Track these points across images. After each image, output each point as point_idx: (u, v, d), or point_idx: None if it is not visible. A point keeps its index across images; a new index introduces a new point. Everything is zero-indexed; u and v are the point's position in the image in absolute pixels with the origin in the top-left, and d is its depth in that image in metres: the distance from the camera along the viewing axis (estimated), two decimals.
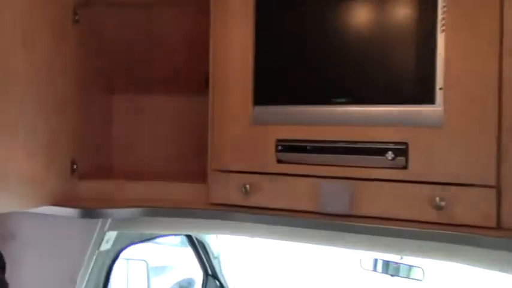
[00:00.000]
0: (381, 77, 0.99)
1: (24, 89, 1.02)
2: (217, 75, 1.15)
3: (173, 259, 3.55)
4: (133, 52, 1.39)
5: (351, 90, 1.01)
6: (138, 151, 1.51)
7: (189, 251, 2.19)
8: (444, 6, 0.92)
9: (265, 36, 1.10)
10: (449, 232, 0.90)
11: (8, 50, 0.96)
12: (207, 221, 1.18)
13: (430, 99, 0.94)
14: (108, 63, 1.40)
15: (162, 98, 1.50)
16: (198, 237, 2.08)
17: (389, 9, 0.97)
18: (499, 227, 0.89)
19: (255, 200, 1.10)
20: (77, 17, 1.20)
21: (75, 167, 1.21)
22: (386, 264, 2.33)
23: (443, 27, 0.92)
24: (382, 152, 0.97)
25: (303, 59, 1.05)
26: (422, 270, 2.21)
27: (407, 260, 2.25)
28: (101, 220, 1.23)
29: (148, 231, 1.58)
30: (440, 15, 0.93)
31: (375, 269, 2.36)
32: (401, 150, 0.96)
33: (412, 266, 2.23)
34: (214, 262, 2.19)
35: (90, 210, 1.12)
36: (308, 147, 1.04)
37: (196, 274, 2.35)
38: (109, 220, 1.26)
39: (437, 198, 0.92)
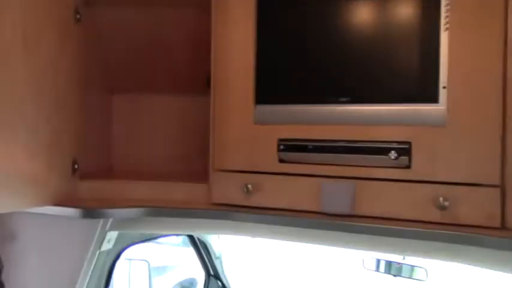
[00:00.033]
0: (383, 75, 0.98)
1: (26, 89, 1.01)
2: (218, 74, 1.14)
3: (175, 259, 3.55)
4: (134, 52, 1.38)
5: (353, 89, 1.01)
6: (140, 151, 1.51)
7: (191, 250, 2.19)
8: (447, 4, 0.91)
9: (267, 35, 1.09)
10: (453, 232, 0.90)
11: (10, 50, 0.96)
12: (208, 221, 1.17)
13: (433, 98, 0.93)
14: (110, 62, 1.40)
15: (163, 98, 1.50)
16: (199, 237, 2.08)
17: (391, 8, 0.97)
18: (503, 227, 0.88)
19: (256, 200, 1.09)
20: (78, 16, 1.20)
21: (76, 166, 1.21)
22: (389, 264, 2.32)
23: (447, 26, 0.92)
24: (385, 151, 0.96)
25: (305, 57, 1.05)
26: (426, 270, 2.20)
27: (410, 260, 2.24)
28: (102, 220, 1.23)
29: (149, 231, 1.57)
30: (443, 13, 0.92)
31: (377, 269, 2.36)
32: (405, 150, 0.95)
33: (415, 266, 2.23)
34: (216, 262, 2.18)
35: (91, 210, 1.12)
36: (310, 147, 1.04)
37: (198, 274, 2.35)
38: (110, 220, 1.26)
39: (441, 198, 0.91)
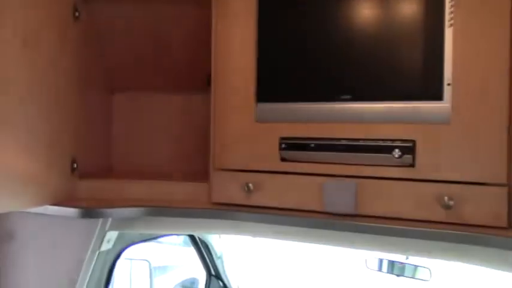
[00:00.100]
0: (387, 73, 0.96)
1: (27, 88, 1.01)
2: (219, 72, 1.13)
3: (176, 259, 3.55)
4: (134, 50, 1.37)
5: (356, 86, 0.99)
6: (140, 150, 1.50)
7: (192, 250, 2.18)
8: (452, 0, 0.90)
9: (268, 32, 1.08)
10: (458, 232, 0.88)
11: (9, 50, 0.95)
12: (209, 220, 1.16)
13: (437, 96, 0.91)
14: (109, 61, 1.39)
15: (163, 96, 1.49)
16: (201, 237, 2.07)
17: (395, 4, 0.95)
18: (510, 226, 0.87)
19: (257, 199, 1.08)
20: (77, 14, 1.19)
21: (75, 166, 1.20)
22: (392, 264, 2.31)
23: (451, 22, 0.90)
24: (388, 149, 0.95)
25: (306, 55, 1.03)
26: (429, 270, 2.18)
27: (414, 260, 2.23)
28: (101, 220, 1.22)
29: (149, 231, 1.56)
30: (447, 9, 0.90)
31: (380, 269, 2.35)
32: (409, 148, 0.93)
33: (418, 266, 2.21)
34: (217, 262, 2.18)
35: (90, 210, 1.11)
36: (312, 145, 1.02)
37: (200, 273, 2.34)
38: (110, 220, 1.25)
39: (446, 197, 0.90)
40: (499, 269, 1.04)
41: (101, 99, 1.47)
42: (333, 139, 1.00)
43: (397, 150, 0.94)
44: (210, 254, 2.15)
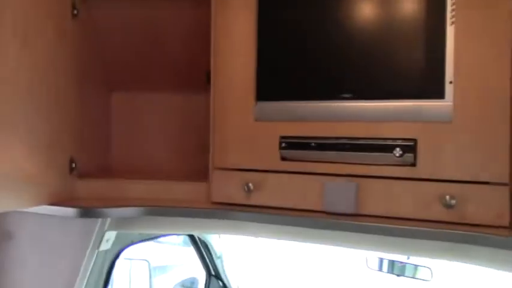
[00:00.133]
0: (388, 71, 0.95)
1: (26, 88, 1.00)
2: (218, 70, 1.12)
3: (175, 258, 3.54)
4: (132, 48, 1.36)
5: (357, 85, 0.98)
6: (139, 149, 1.49)
7: (192, 250, 2.18)
8: None
9: (268, 29, 1.07)
10: (460, 232, 0.87)
11: (9, 49, 0.95)
12: (208, 220, 1.15)
13: (439, 94, 0.90)
14: (107, 60, 1.38)
15: (162, 95, 1.48)
16: (200, 237, 2.07)
17: (396, 2, 0.94)
18: None
19: (257, 199, 1.07)
20: (75, 12, 1.18)
21: (73, 165, 1.20)
22: (392, 263, 2.30)
23: (453, 20, 0.89)
24: (389, 148, 0.94)
25: (307, 53, 1.02)
26: (430, 270, 2.18)
27: (415, 259, 2.22)
28: (100, 219, 1.21)
29: (149, 231, 1.56)
30: (449, 7, 0.90)
31: (380, 268, 2.34)
32: (410, 147, 0.92)
33: (419, 265, 2.20)
34: (217, 262, 2.17)
35: (89, 210, 1.10)
36: (313, 144, 1.01)
37: (199, 273, 2.34)
38: (109, 219, 1.24)
39: (448, 197, 0.89)
40: (501, 269, 1.04)
41: (99, 99, 1.46)
42: (334, 138, 1.00)
43: (398, 149, 0.93)
44: (210, 253, 2.14)
